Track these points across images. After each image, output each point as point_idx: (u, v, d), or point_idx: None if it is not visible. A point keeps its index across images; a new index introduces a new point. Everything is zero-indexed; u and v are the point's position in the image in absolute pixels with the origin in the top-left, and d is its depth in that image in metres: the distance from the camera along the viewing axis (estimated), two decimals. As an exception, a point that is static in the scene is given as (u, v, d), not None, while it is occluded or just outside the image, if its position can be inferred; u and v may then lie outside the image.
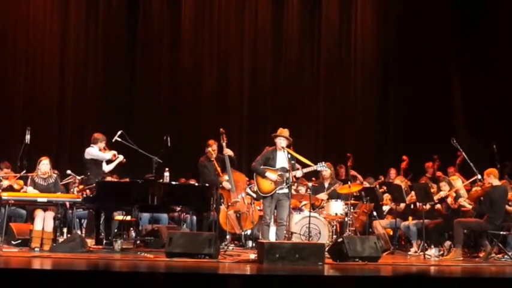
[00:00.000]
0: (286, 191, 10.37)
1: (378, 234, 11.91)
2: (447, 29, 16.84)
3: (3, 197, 10.16)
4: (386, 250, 11.49)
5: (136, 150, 11.45)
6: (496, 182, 11.00)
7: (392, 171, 14.61)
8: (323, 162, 10.81)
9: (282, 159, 10.48)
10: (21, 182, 11.53)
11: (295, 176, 10.47)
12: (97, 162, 11.43)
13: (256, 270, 8.53)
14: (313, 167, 10.65)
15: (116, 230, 11.46)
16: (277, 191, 10.38)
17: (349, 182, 12.59)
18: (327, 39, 17.44)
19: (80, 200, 10.50)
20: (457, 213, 11.28)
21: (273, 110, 16.91)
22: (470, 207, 11.26)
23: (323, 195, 12.30)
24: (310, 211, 11.27)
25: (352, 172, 14.49)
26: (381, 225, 12.32)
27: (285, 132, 10.58)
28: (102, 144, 11.57)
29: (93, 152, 11.43)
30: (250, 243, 11.80)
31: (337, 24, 17.57)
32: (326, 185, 12.46)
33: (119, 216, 11.64)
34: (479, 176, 11.65)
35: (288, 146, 10.63)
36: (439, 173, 14.14)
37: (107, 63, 16.50)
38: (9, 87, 15.81)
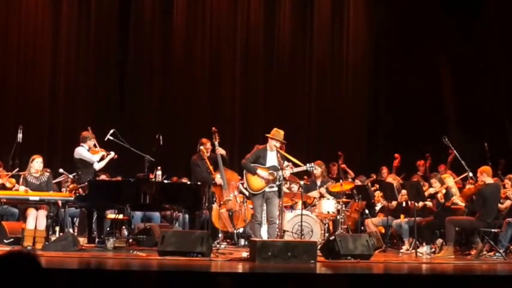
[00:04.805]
0: (275, 189, 10.36)
1: (369, 232, 11.94)
2: (439, 28, 16.87)
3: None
4: (378, 248, 11.52)
5: (129, 148, 11.46)
6: (489, 180, 11.04)
7: (385, 170, 14.65)
8: (312, 163, 10.85)
9: (272, 158, 10.48)
10: (13, 180, 11.51)
11: (283, 175, 10.45)
12: (87, 161, 11.42)
13: (249, 268, 8.57)
14: (303, 167, 10.67)
15: (108, 229, 11.43)
16: (266, 189, 10.38)
17: (340, 180, 12.62)
18: (318, 38, 17.46)
19: (72, 198, 10.48)
20: (449, 211, 11.32)
21: (265, 109, 16.92)
22: (463, 205, 11.31)
23: (315, 193, 12.32)
24: (302, 209, 11.28)
25: (343, 166, 14.54)
26: (372, 223, 12.35)
27: (281, 134, 10.54)
28: (92, 142, 11.57)
29: (82, 152, 11.43)
30: (242, 242, 11.81)
31: (329, 24, 17.59)
32: (318, 183, 12.47)
33: (111, 215, 11.62)
34: (470, 174, 11.69)
35: (280, 147, 10.64)
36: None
37: (99, 62, 16.44)
38: (0, 86, 15.76)
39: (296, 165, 10.59)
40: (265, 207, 10.66)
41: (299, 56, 17.53)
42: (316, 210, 11.89)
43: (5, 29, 15.92)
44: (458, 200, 11.33)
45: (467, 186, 11.63)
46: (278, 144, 10.49)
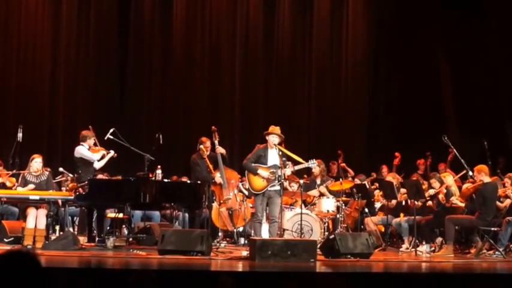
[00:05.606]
0: (277, 188, 10.38)
1: (369, 230, 11.94)
2: (439, 27, 16.87)
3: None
4: (378, 247, 11.53)
5: (129, 148, 11.47)
6: (487, 179, 11.04)
7: (385, 168, 14.66)
8: (314, 160, 10.87)
9: (273, 156, 10.50)
10: (14, 179, 11.55)
11: (285, 174, 10.47)
12: (87, 160, 11.42)
13: (249, 267, 8.57)
14: (304, 165, 10.68)
15: (108, 228, 11.46)
16: (268, 188, 10.40)
17: (340, 179, 12.63)
18: (318, 38, 17.46)
19: (72, 197, 10.50)
20: (448, 209, 11.33)
21: (265, 109, 16.92)
22: (463, 205, 11.31)
23: (315, 192, 12.33)
24: (301, 208, 11.29)
25: (343, 165, 14.55)
26: (372, 222, 12.35)
27: (277, 129, 10.60)
28: (92, 141, 11.55)
29: (82, 151, 11.39)
30: (242, 240, 11.83)
31: (328, 24, 17.58)
32: (318, 181, 12.48)
33: (111, 214, 11.64)
34: (470, 172, 11.69)
35: (280, 143, 10.66)
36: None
37: (99, 62, 16.45)
38: (0, 86, 15.77)
39: (296, 163, 10.61)
40: (266, 207, 10.66)
41: (299, 55, 17.53)
42: (316, 209, 11.89)
43: (5, 28, 15.93)
44: (457, 201, 11.32)
45: (466, 185, 11.62)
46: (277, 140, 10.51)
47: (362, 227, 12.56)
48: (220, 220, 11.69)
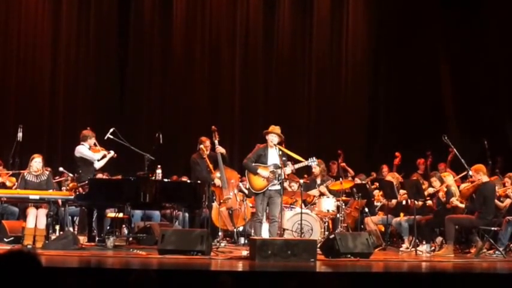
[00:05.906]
0: (278, 187, 10.39)
1: (369, 230, 11.95)
2: (439, 27, 16.86)
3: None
4: (378, 246, 11.53)
5: (129, 147, 11.47)
6: (486, 178, 11.04)
7: (385, 168, 14.65)
8: (314, 158, 10.87)
9: (273, 156, 10.50)
10: (14, 179, 11.55)
11: (285, 173, 10.47)
12: (87, 160, 11.41)
13: (249, 266, 8.57)
14: (305, 163, 10.68)
15: (108, 227, 11.46)
16: (269, 188, 10.40)
17: (340, 179, 12.63)
18: (318, 38, 17.46)
19: (72, 197, 10.50)
20: (448, 209, 11.33)
21: (264, 109, 16.93)
22: (463, 206, 11.30)
23: (315, 192, 12.33)
24: (301, 207, 11.29)
25: (343, 164, 14.55)
26: (372, 222, 12.35)
27: (277, 129, 10.60)
28: (92, 141, 11.54)
29: (83, 151, 11.38)
30: (242, 240, 11.82)
31: (328, 24, 17.58)
32: (318, 181, 12.48)
33: (111, 214, 11.64)
34: (470, 172, 11.69)
35: (280, 143, 10.66)
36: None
37: (99, 62, 16.46)
38: (0, 86, 15.77)
39: (297, 162, 10.60)
40: (267, 206, 10.66)
41: (299, 55, 17.53)
42: (316, 209, 11.89)
43: (5, 28, 15.94)
44: (457, 202, 11.31)
45: (465, 185, 11.61)
46: (276, 140, 10.51)
47: (362, 226, 12.56)
48: (220, 220, 11.69)
